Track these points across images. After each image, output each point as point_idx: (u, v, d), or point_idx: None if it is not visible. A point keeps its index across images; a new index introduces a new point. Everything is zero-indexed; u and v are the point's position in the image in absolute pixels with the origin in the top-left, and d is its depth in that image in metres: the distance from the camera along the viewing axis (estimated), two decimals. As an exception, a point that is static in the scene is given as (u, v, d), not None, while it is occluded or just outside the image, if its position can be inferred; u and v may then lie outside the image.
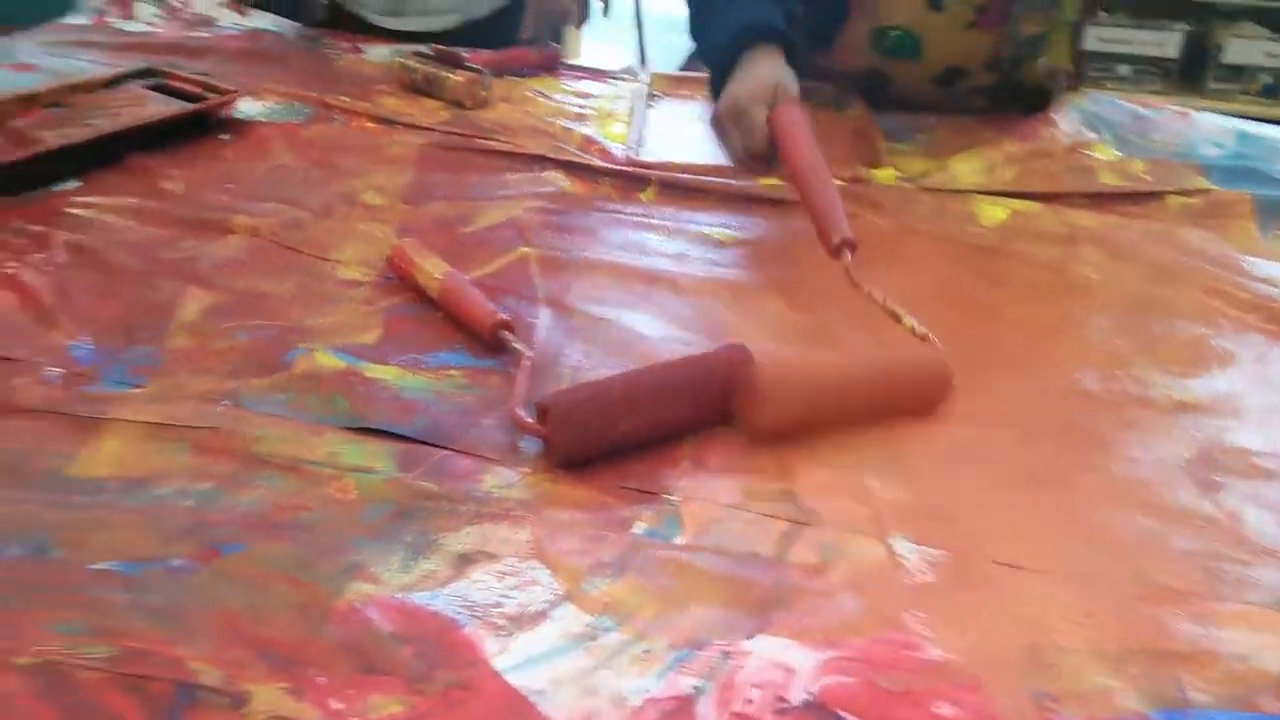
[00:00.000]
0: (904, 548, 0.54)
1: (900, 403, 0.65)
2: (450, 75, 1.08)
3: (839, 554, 0.53)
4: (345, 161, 0.94)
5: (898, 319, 0.70)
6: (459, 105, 1.07)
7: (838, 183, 0.92)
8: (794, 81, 0.87)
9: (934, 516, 0.56)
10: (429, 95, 1.09)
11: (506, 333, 0.67)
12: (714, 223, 0.87)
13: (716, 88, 0.90)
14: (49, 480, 0.54)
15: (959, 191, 0.93)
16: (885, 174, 0.95)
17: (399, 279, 0.75)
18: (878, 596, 0.51)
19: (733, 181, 0.92)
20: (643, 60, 2.98)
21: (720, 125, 0.88)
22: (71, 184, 0.86)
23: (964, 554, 0.54)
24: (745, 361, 0.61)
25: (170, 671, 0.43)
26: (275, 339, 0.67)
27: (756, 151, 0.85)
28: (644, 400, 0.59)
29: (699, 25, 0.97)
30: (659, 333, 0.71)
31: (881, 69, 1.09)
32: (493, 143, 0.99)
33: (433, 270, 0.72)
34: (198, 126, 0.97)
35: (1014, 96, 1.11)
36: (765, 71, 0.86)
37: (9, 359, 0.63)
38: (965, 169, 0.97)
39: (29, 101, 0.95)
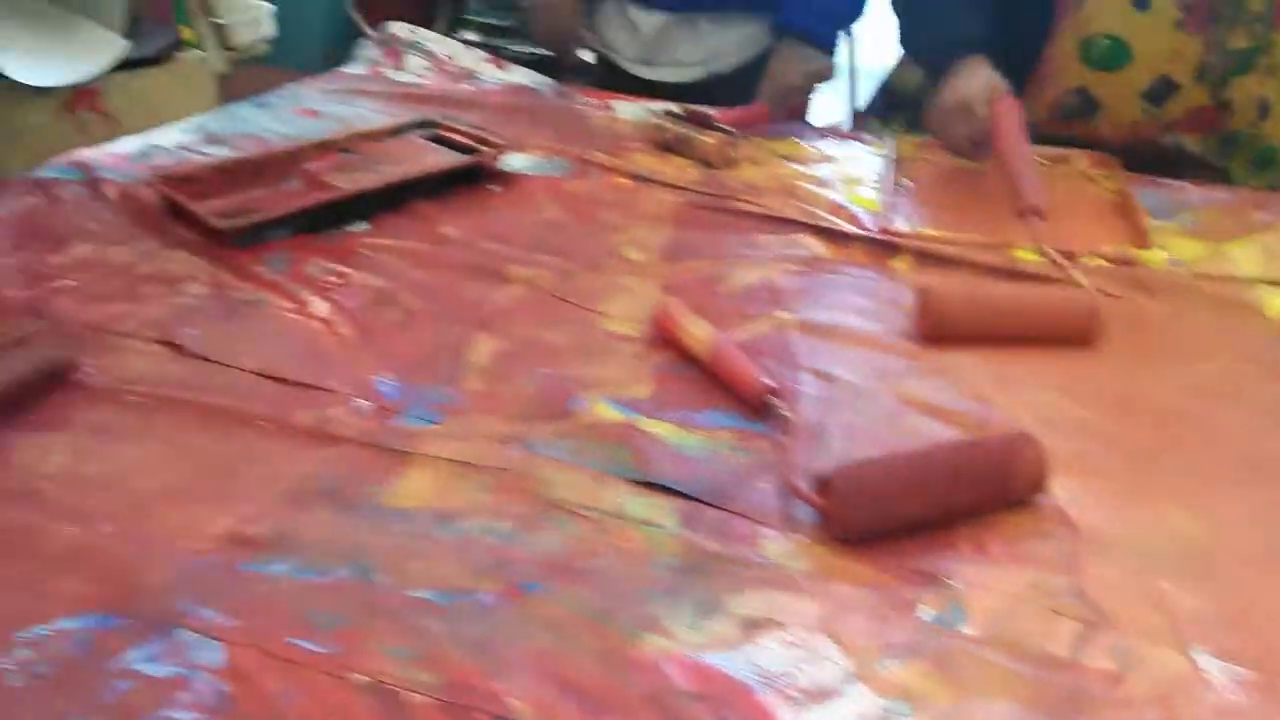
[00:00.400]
0: (1208, 662, 0.51)
1: (1056, 329, 0.80)
2: (701, 136, 1.11)
3: (1137, 662, 0.51)
4: (605, 216, 0.99)
5: (1067, 274, 0.87)
6: (708, 165, 1.10)
7: (1103, 263, 0.90)
8: (1003, 81, 1.03)
9: (1239, 630, 0.53)
10: (679, 154, 1.13)
11: (774, 399, 0.68)
12: (974, 297, 0.86)
13: (928, 88, 1.08)
14: (367, 507, 0.59)
15: (1240, 280, 0.88)
16: (1154, 256, 0.91)
17: (663, 337, 0.77)
18: (1182, 712, 0.49)
19: (986, 256, 0.91)
20: (854, 114, 2.98)
21: (946, 118, 1.05)
22: (361, 226, 0.94)
23: (1276, 674, 0.51)
24: (1030, 449, 0.60)
25: (491, 705, 0.46)
26: (558, 387, 0.71)
27: (979, 139, 1.03)
28: (927, 480, 0.59)
29: (912, 37, 1.18)
30: (921, 407, 0.71)
31: (1090, 88, 1.09)
32: (744, 204, 1.01)
33: (699, 332, 0.74)
34: (469, 176, 1.04)
35: (1228, 144, 1.09)
36: (983, 73, 1.03)
37: (324, 389, 0.69)
38: (1243, 255, 0.92)
39: (323, 147, 1.05)
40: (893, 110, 1.22)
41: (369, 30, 3.28)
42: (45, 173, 1.00)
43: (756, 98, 1.23)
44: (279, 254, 0.87)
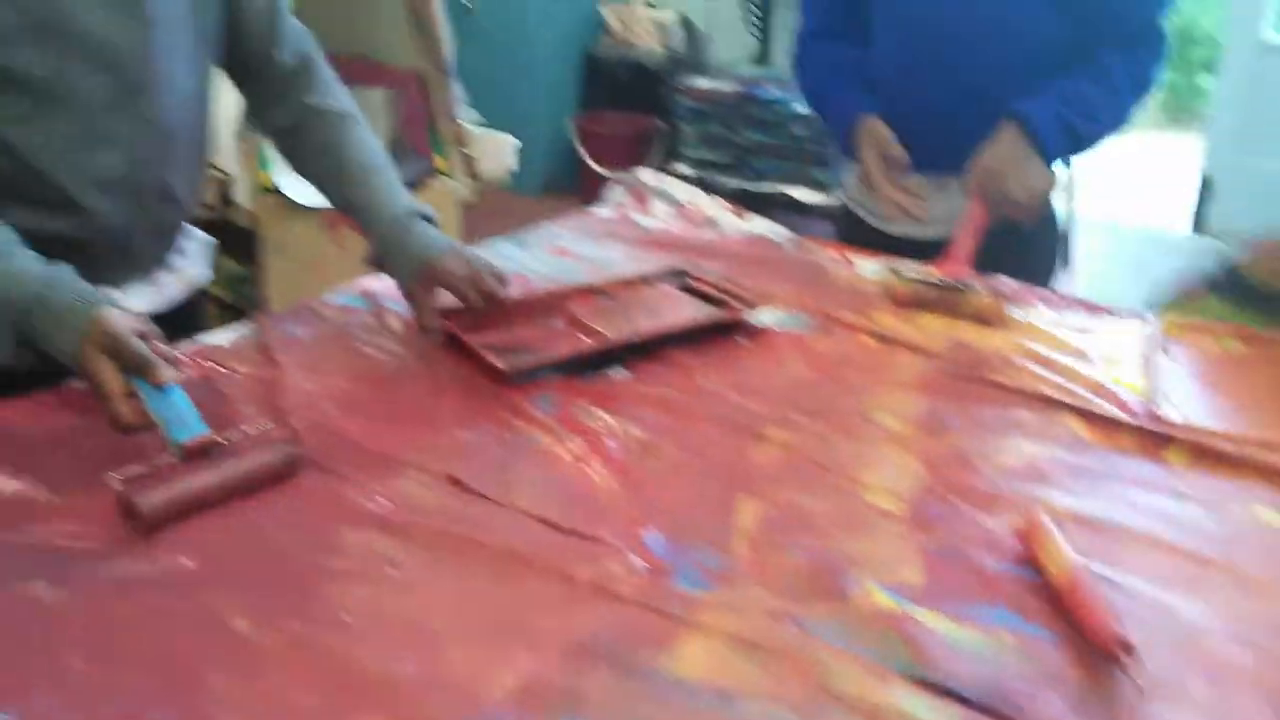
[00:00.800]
0: None
1: None
2: (971, 292, 1.12)
3: None
4: (854, 378, 0.99)
5: None
6: (983, 323, 1.10)
7: None
8: None
9: None
10: (936, 311, 1.13)
11: (1124, 654, 0.61)
12: (1267, 504, 0.80)
13: None
14: (648, 673, 0.59)
15: None
16: None
17: (1023, 547, 0.73)
18: None
19: (1271, 457, 0.85)
20: (1065, 265, 2.89)
21: None
22: (621, 371, 0.98)
23: None
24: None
25: None
26: (828, 563, 0.70)
27: None
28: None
29: None
30: (1226, 635, 0.65)
31: None
32: (997, 376, 0.99)
33: (1062, 556, 0.69)
34: (718, 326, 1.07)
35: None
36: None
37: (598, 540, 0.71)
38: None
39: (585, 291, 1.11)
40: (1238, 293, 1.13)
41: (592, 162, 3.48)
42: (335, 299, 1.10)
43: (969, 193, 1.22)
44: (547, 394, 0.92)
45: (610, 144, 3.62)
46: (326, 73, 1.05)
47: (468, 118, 2.19)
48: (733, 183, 3.31)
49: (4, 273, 0.77)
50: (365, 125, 1.07)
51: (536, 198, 3.60)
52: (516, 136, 2.37)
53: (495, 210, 2.53)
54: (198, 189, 1.01)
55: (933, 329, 1.10)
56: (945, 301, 1.13)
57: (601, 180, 3.55)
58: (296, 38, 1.03)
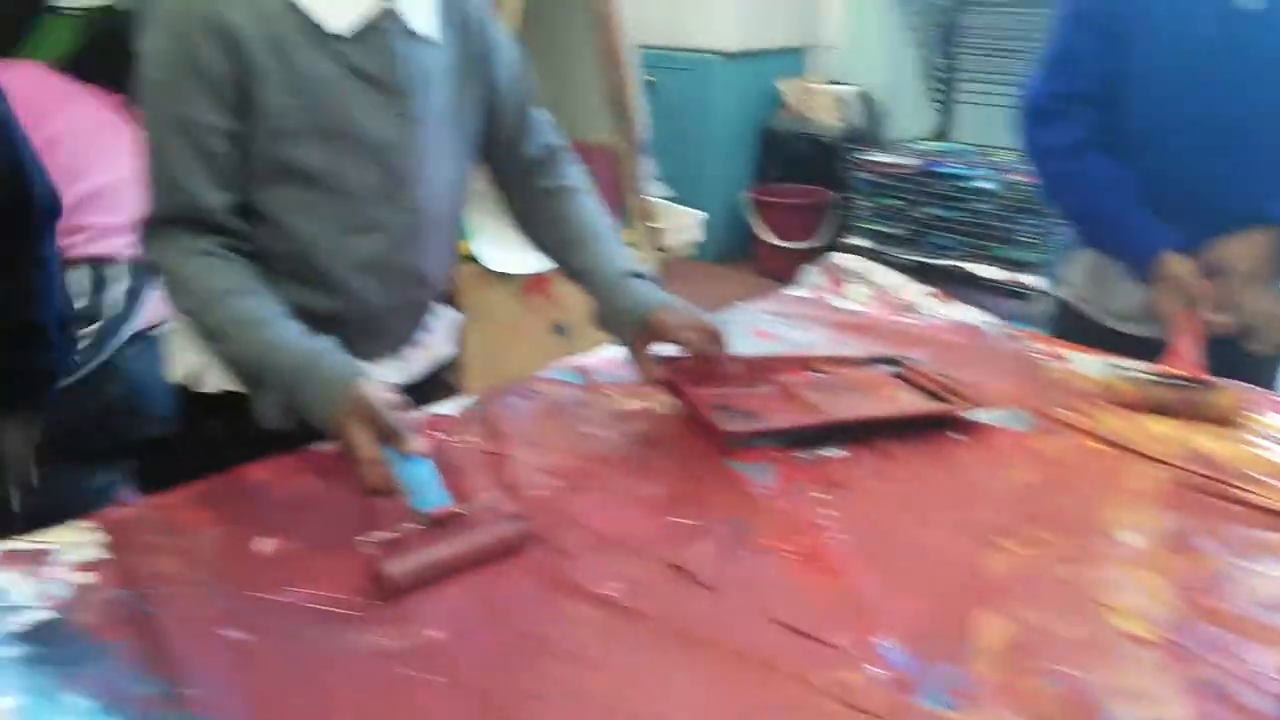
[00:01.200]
0: None
1: None
2: (1215, 391, 1.06)
3: None
4: (1084, 486, 0.94)
5: None
6: (1223, 424, 1.05)
7: None
8: None
9: None
10: (1173, 413, 1.07)
11: None
12: None
13: None
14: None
15: None
16: None
17: None
18: None
19: None
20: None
21: None
22: (836, 452, 0.96)
23: None
24: None
25: None
26: (1081, 692, 0.66)
27: None
28: None
29: None
30: None
31: None
32: (1241, 490, 0.93)
33: None
34: (933, 418, 1.04)
35: None
36: None
37: (832, 645, 0.70)
38: None
39: (797, 364, 1.11)
40: None
41: (766, 233, 3.48)
42: (550, 374, 1.13)
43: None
44: (764, 465, 0.92)
45: (784, 215, 3.64)
46: (566, 158, 1.10)
47: (656, 192, 2.24)
48: (910, 257, 3.25)
49: (276, 342, 0.83)
50: (592, 195, 1.10)
51: (710, 264, 3.64)
52: (693, 206, 2.41)
53: (672, 276, 2.57)
54: (447, 271, 1.07)
55: (1162, 434, 1.04)
56: (1186, 402, 1.06)
57: (774, 250, 3.57)
58: (541, 130, 1.08)
